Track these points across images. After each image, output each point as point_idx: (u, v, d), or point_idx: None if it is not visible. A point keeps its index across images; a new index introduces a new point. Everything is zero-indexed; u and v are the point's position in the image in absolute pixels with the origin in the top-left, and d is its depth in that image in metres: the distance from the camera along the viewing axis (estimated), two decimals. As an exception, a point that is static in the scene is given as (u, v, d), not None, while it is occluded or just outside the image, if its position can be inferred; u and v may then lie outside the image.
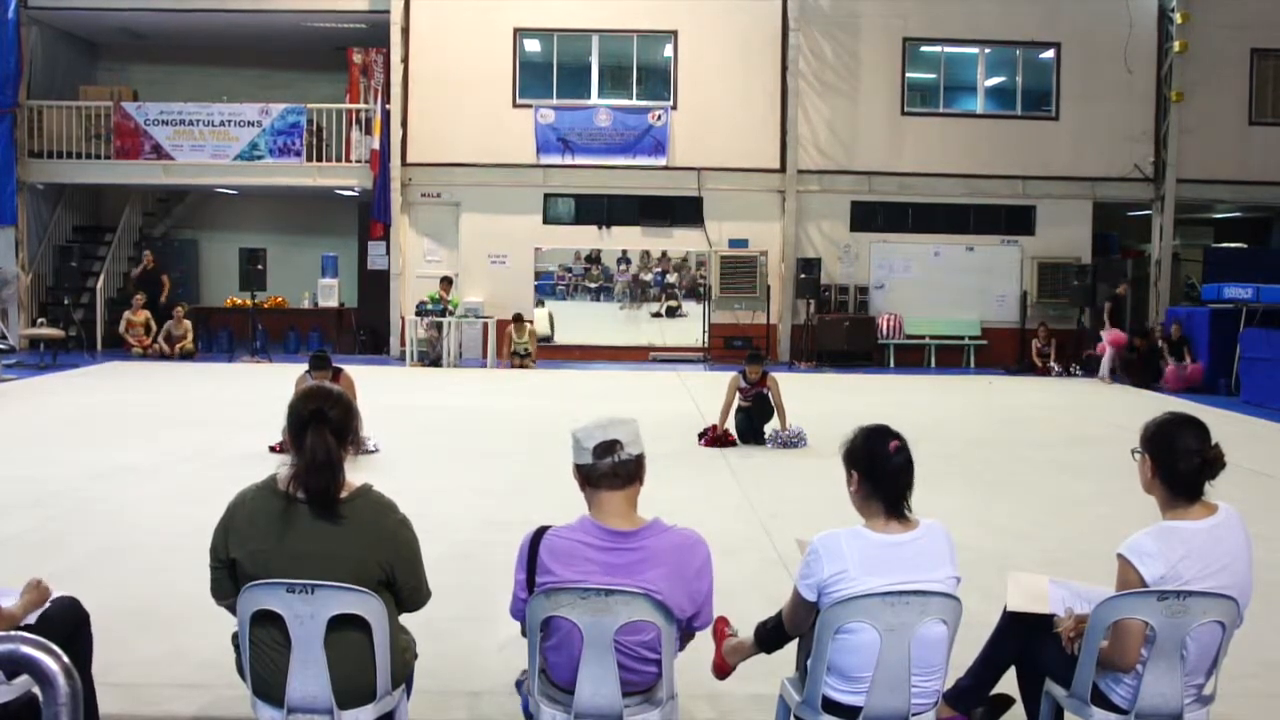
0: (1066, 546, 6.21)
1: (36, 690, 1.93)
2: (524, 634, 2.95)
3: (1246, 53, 18.18)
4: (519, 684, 3.22)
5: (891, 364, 17.81)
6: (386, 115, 17.32)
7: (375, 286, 18.43)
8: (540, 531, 2.93)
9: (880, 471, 2.95)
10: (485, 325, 16.73)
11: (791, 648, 3.25)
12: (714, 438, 9.39)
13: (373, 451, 8.51)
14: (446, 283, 16.84)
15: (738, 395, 9.54)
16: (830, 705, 2.91)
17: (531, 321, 17.21)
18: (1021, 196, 18.19)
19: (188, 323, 16.84)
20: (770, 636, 3.30)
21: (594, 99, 18.04)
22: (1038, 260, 18.16)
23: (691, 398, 12.55)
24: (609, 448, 2.86)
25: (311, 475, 2.83)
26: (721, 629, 3.54)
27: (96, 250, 18.71)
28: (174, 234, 20.41)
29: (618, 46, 18.25)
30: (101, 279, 18.02)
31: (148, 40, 19.26)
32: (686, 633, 2.99)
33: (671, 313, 18.45)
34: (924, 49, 18.29)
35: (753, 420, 9.54)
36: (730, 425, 9.54)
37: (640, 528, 2.90)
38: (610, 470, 2.86)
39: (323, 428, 2.85)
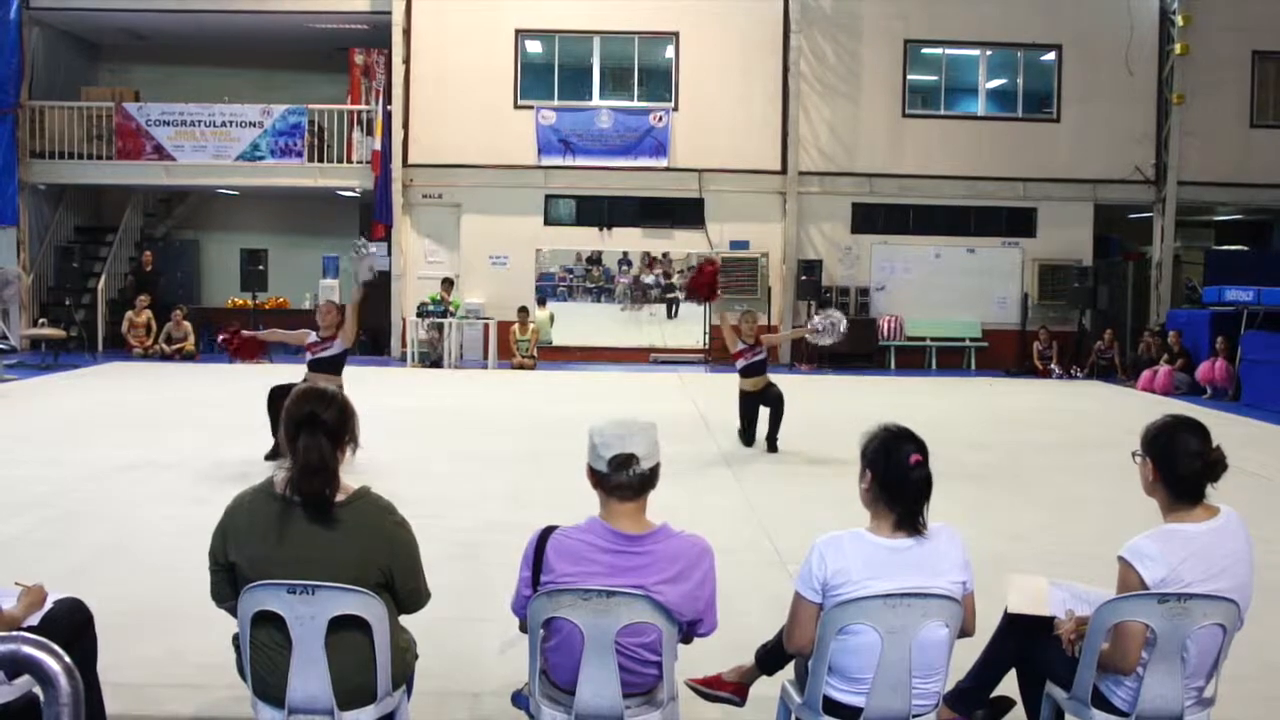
0: (1066, 548, 6.21)
1: (38, 691, 1.93)
2: (523, 629, 2.95)
3: (1247, 55, 18.16)
4: (516, 695, 3.22)
5: (892, 366, 17.79)
6: (388, 116, 17.32)
7: (376, 287, 18.38)
8: (548, 531, 2.94)
9: (896, 483, 2.91)
10: (486, 326, 16.74)
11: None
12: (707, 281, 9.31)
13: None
14: (448, 284, 16.84)
15: (739, 361, 9.38)
16: (831, 706, 2.91)
17: (535, 321, 17.22)
18: (1022, 198, 18.18)
19: (187, 325, 16.83)
20: (770, 658, 3.31)
21: (595, 100, 18.03)
22: (1039, 262, 18.13)
23: (692, 399, 12.54)
24: (625, 462, 2.85)
25: (305, 479, 2.81)
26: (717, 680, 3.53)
27: (98, 251, 18.70)
28: (175, 235, 20.40)
29: (619, 48, 18.24)
30: (103, 279, 18.01)
31: (149, 41, 19.26)
32: (690, 636, 2.98)
33: (672, 314, 18.42)
34: (925, 51, 18.28)
35: (758, 409, 9.35)
36: (736, 418, 9.46)
37: (649, 532, 2.90)
38: (625, 483, 2.87)
39: (316, 431, 2.83)
